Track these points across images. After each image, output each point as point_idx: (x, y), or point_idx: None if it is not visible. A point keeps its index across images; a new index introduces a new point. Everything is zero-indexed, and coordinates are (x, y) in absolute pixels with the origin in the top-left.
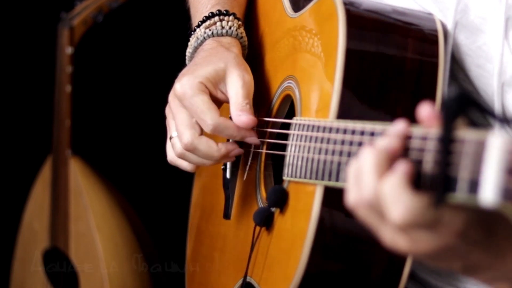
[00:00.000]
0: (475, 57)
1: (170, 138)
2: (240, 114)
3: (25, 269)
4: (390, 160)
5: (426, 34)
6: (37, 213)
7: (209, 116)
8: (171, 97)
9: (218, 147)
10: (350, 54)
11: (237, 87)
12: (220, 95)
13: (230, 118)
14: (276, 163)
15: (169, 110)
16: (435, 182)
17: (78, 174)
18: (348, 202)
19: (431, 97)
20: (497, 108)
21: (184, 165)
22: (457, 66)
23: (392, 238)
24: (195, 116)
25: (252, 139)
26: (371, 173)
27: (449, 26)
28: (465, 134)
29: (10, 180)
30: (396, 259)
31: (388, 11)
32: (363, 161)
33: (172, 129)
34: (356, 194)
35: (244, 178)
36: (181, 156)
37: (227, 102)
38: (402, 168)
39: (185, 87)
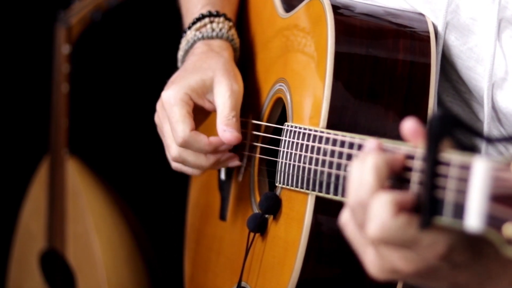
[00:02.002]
0: (466, 59)
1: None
2: (225, 129)
3: (22, 271)
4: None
5: (417, 36)
6: (34, 214)
7: (181, 128)
8: (158, 106)
9: (206, 157)
10: (339, 59)
11: (224, 97)
12: (207, 105)
13: None
14: (270, 169)
15: (158, 119)
16: (422, 204)
17: (75, 174)
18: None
19: (423, 99)
20: (486, 110)
21: (189, 171)
22: (450, 67)
23: (374, 260)
24: (170, 125)
25: (225, 147)
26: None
27: (440, 27)
28: (451, 156)
29: (6, 180)
30: None
31: (379, 13)
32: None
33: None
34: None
35: (240, 180)
36: (175, 168)
37: (215, 111)
38: (403, 195)
39: (170, 97)
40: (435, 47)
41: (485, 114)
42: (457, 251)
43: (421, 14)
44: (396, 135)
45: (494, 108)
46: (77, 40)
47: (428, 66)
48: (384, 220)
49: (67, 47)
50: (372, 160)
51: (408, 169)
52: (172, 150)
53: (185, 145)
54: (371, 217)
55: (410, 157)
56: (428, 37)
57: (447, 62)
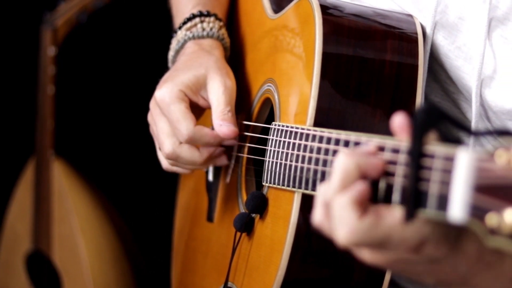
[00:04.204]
0: (454, 58)
1: (158, 149)
2: (222, 123)
3: (8, 272)
4: (356, 180)
5: (405, 37)
6: (20, 215)
7: (184, 126)
8: (152, 105)
9: (199, 152)
10: (327, 59)
11: (218, 93)
12: (201, 102)
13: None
14: (257, 168)
15: (151, 117)
16: (406, 197)
17: (61, 176)
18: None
19: (411, 100)
20: (475, 109)
21: (180, 170)
22: (439, 67)
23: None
24: (171, 125)
25: (230, 142)
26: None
27: (428, 27)
28: (435, 148)
29: None
30: None
31: (367, 14)
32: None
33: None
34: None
35: (227, 181)
36: (168, 168)
37: (209, 108)
38: (356, 188)
39: (164, 95)
40: (423, 48)
41: (473, 113)
42: (430, 245)
43: (409, 15)
44: (383, 135)
45: (483, 106)
46: (63, 42)
47: (415, 67)
48: (351, 224)
49: (53, 49)
50: (341, 161)
51: (393, 162)
52: (166, 147)
53: (191, 141)
54: (337, 222)
55: (395, 150)
56: (416, 38)
57: (435, 62)
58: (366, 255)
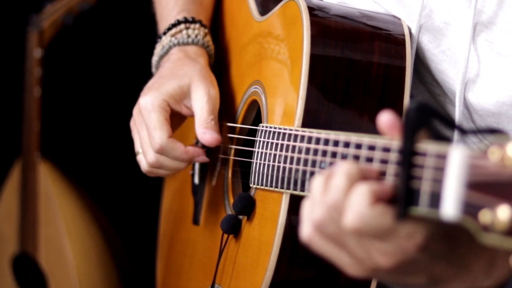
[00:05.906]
0: (439, 62)
1: (137, 153)
2: (205, 131)
3: None
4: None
5: (393, 38)
6: (6, 218)
7: (158, 134)
8: (135, 112)
9: (183, 158)
10: (315, 60)
11: (202, 102)
12: (185, 110)
13: None
14: (244, 170)
15: (134, 124)
16: (397, 195)
17: (47, 178)
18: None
19: (398, 101)
20: (458, 112)
21: (162, 173)
22: (425, 70)
23: (351, 263)
24: (148, 132)
25: (201, 158)
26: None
27: (414, 30)
28: (427, 146)
29: None
30: None
31: (355, 15)
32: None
33: (137, 144)
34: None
35: (213, 183)
36: (149, 173)
37: (193, 116)
38: (375, 183)
39: (147, 103)
40: (410, 50)
41: (457, 116)
42: (435, 241)
43: (396, 17)
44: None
45: (468, 109)
46: (49, 44)
47: (403, 69)
48: (360, 209)
49: (39, 50)
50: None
51: (384, 161)
52: (149, 156)
53: (161, 151)
54: (347, 207)
55: (386, 149)
56: (403, 39)
57: (421, 64)
58: (376, 253)
